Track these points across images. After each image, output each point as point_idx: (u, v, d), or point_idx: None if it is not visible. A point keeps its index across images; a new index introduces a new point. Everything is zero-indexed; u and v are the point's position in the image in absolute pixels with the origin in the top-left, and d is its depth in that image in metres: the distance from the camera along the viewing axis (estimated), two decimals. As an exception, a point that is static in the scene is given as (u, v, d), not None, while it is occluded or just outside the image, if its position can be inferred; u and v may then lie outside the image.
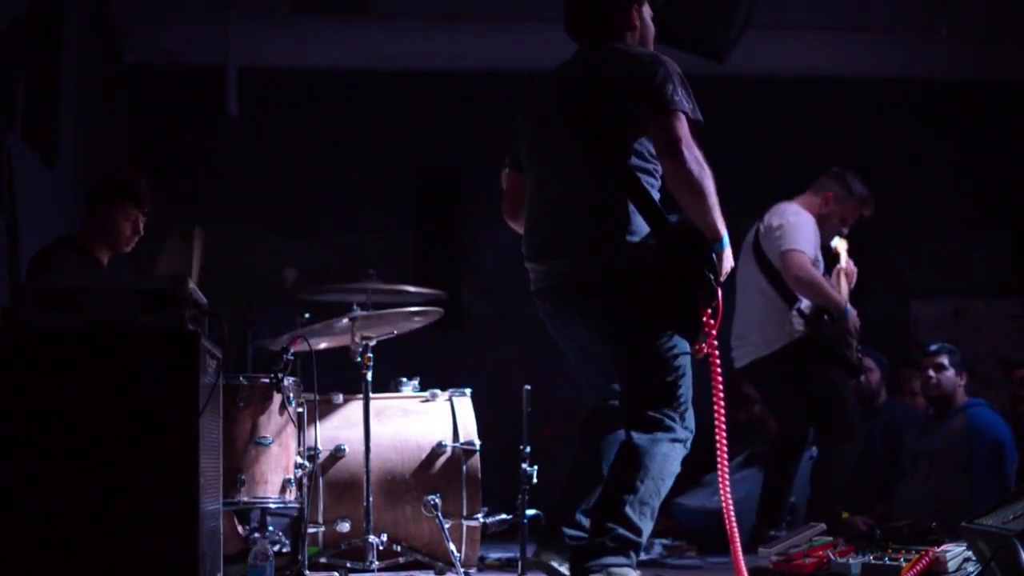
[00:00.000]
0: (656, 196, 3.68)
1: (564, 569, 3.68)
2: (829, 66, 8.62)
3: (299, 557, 4.64)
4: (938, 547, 4.17)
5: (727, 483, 3.75)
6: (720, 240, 3.61)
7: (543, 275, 3.82)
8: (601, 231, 3.66)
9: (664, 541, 5.94)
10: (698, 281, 3.59)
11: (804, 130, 8.58)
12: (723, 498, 3.74)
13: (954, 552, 4.13)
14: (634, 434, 3.63)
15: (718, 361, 3.65)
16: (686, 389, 3.70)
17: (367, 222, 8.58)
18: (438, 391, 5.26)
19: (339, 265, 8.13)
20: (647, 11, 3.94)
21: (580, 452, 3.90)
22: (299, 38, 8.23)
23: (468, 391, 5.29)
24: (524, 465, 4.65)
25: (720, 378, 3.67)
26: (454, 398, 5.23)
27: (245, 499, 4.55)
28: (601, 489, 3.70)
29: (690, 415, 3.73)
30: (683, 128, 3.58)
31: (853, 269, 5.87)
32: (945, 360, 6.53)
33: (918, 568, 4.07)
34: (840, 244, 5.89)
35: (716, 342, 3.63)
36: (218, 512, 3.96)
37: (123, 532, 3.43)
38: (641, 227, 3.64)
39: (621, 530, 3.52)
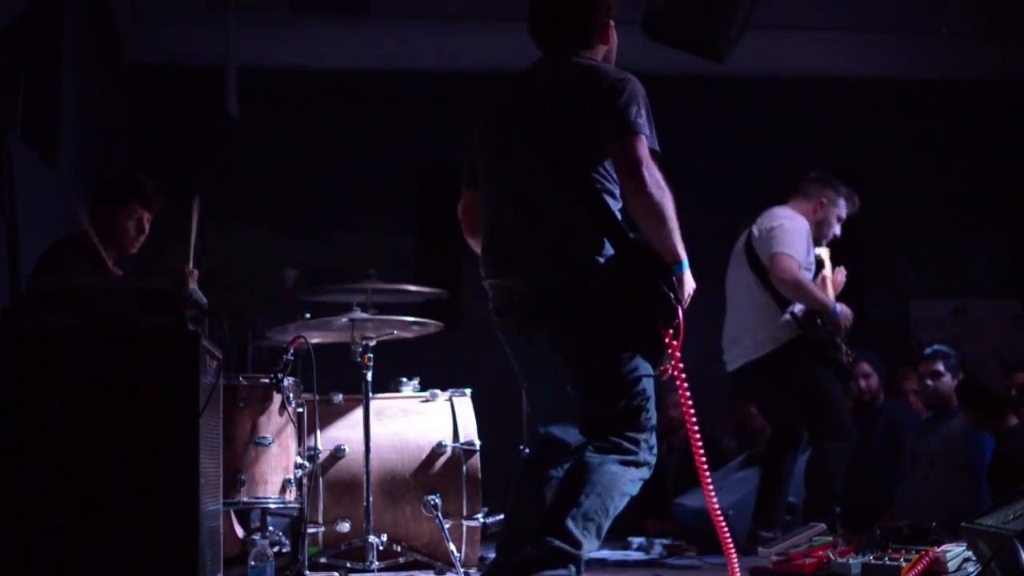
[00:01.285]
0: (619, 215, 3.59)
1: None
2: (829, 66, 8.62)
3: (299, 557, 4.63)
4: (938, 547, 4.17)
5: (714, 500, 3.74)
6: (679, 263, 3.54)
7: (505, 292, 3.71)
8: (568, 249, 3.57)
9: (664, 541, 5.94)
10: (659, 301, 3.52)
11: (804, 130, 8.58)
12: (712, 513, 3.73)
13: (954, 552, 4.13)
14: (587, 453, 3.54)
15: (685, 384, 3.58)
16: (651, 414, 3.59)
17: (367, 222, 8.58)
18: (438, 391, 5.26)
19: (339, 265, 8.13)
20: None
21: (519, 491, 3.79)
22: (299, 38, 8.22)
23: (468, 391, 5.29)
24: (524, 465, 4.64)
25: (689, 399, 3.60)
26: (454, 398, 5.24)
27: (245, 499, 4.55)
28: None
29: (653, 440, 3.60)
30: (644, 150, 3.49)
31: (841, 279, 5.85)
32: (941, 367, 6.54)
33: (918, 568, 4.07)
34: (823, 252, 5.87)
35: (681, 363, 3.55)
36: (218, 512, 3.96)
37: (123, 532, 3.43)
38: (606, 246, 3.56)
39: (559, 543, 3.42)
